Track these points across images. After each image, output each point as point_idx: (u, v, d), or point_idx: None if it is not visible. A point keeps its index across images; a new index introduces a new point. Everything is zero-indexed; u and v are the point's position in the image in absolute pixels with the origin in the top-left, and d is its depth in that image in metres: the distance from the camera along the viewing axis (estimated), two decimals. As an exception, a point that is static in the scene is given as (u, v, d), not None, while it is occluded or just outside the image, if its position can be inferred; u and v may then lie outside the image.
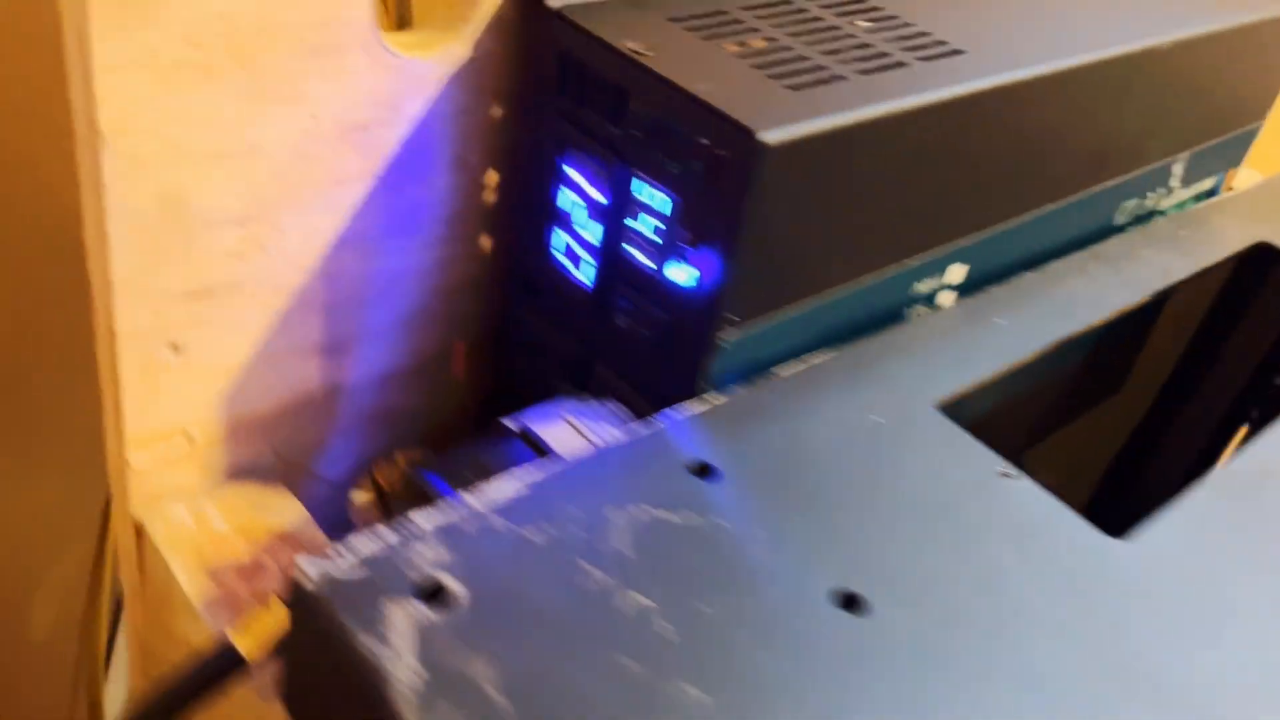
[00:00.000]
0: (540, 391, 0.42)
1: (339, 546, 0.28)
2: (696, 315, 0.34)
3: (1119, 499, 0.62)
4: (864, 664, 0.28)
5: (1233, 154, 0.60)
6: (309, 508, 0.43)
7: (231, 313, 0.36)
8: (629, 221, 0.36)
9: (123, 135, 0.30)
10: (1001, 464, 0.35)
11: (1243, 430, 0.58)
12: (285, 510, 0.39)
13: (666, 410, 0.35)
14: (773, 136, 0.31)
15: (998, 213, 0.44)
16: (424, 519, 0.29)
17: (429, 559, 0.28)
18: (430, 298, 0.42)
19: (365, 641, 0.25)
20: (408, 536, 0.28)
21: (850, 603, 0.29)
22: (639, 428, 0.34)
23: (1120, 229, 0.54)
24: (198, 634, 0.35)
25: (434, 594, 0.27)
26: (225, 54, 0.31)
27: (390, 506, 0.47)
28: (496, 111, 0.39)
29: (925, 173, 0.38)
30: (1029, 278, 0.46)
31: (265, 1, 0.31)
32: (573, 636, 0.27)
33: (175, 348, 0.35)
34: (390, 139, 0.36)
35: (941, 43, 0.40)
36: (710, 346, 0.35)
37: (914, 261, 0.41)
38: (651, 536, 0.30)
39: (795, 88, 0.34)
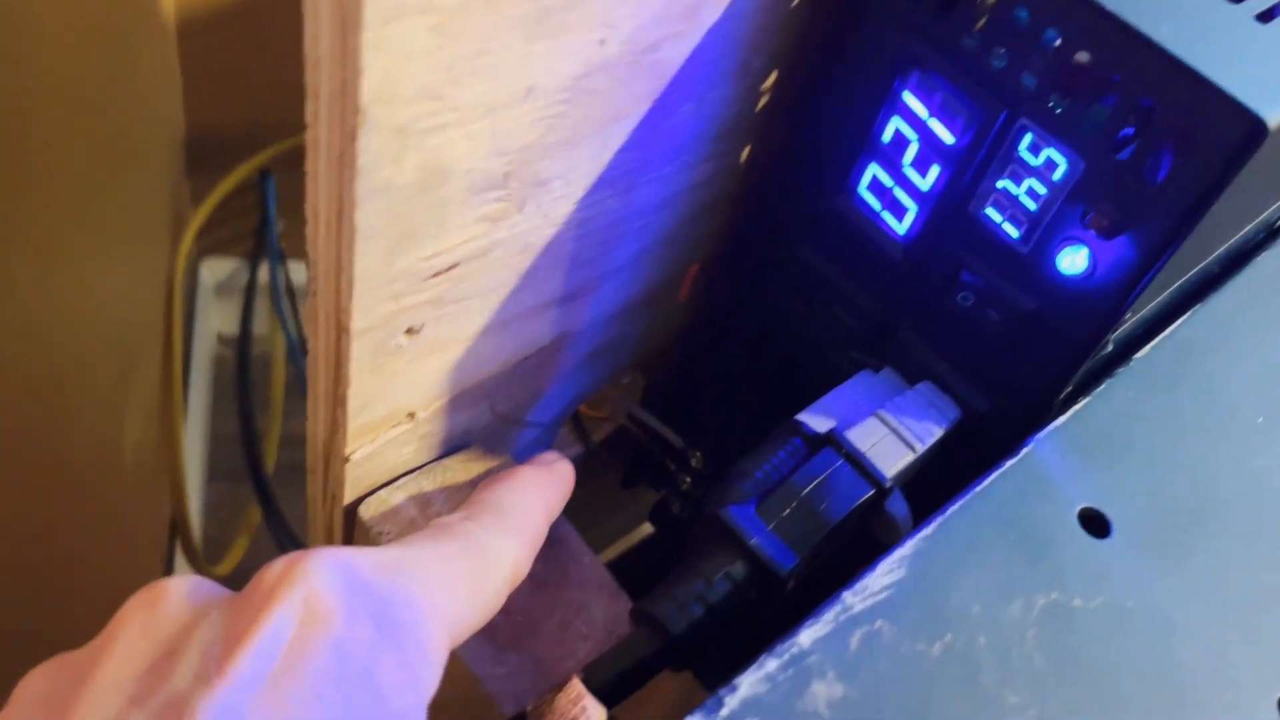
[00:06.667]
0: (787, 322, 0.35)
1: (722, 694, 0.22)
2: (1088, 314, 0.27)
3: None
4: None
5: None
6: (519, 451, 0.37)
7: (474, 283, 0.28)
8: (1000, 181, 0.27)
9: (386, 105, 0.21)
10: None
11: None
12: (516, 489, 0.33)
13: (1036, 435, 0.28)
14: (1276, 116, 0.23)
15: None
16: (806, 635, 0.23)
17: (823, 699, 0.22)
18: (678, 224, 0.34)
19: None
20: (793, 664, 0.22)
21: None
22: (1005, 464, 0.27)
23: None
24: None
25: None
26: (520, -19, 0.22)
27: (591, 447, 0.40)
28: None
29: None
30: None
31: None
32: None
33: (411, 332, 0.28)
34: (678, 56, 0.27)
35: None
36: (1097, 349, 0.28)
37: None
38: (1056, 631, 0.24)
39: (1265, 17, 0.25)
